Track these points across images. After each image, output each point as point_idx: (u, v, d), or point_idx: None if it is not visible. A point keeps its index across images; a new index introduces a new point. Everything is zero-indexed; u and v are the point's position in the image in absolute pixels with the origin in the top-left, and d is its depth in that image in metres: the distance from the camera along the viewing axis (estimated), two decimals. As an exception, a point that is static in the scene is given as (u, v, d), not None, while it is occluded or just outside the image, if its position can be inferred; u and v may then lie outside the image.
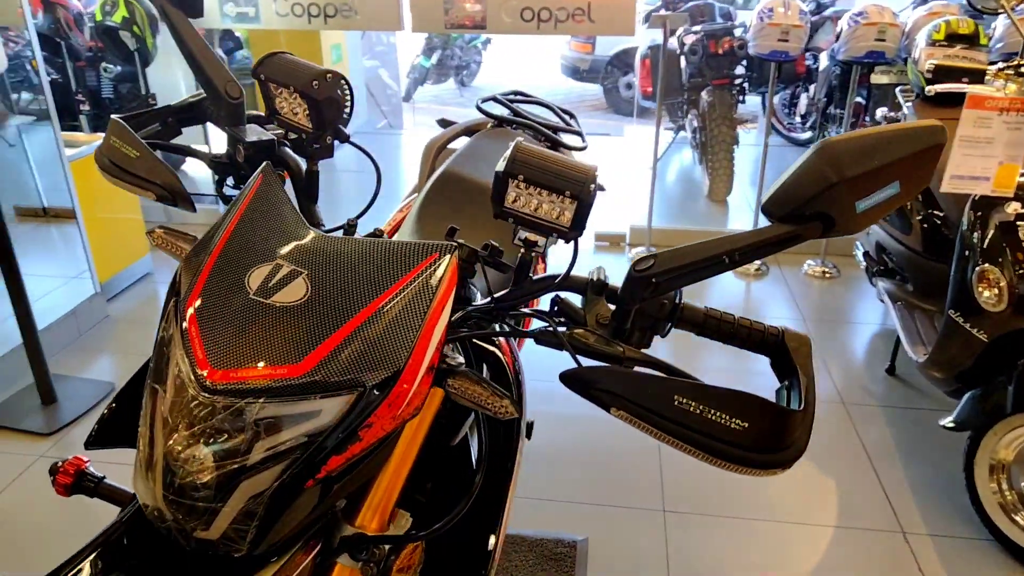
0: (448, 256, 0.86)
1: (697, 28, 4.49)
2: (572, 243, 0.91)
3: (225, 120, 1.23)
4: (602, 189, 1.93)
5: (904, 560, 2.00)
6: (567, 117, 2.13)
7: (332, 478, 0.80)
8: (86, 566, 0.83)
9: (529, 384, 1.70)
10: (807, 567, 1.98)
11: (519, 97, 2.16)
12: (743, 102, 4.57)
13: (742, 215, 4.24)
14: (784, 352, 0.86)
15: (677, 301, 0.89)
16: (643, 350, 0.88)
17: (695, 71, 4.48)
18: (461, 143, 1.97)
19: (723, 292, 3.43)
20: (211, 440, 0.75)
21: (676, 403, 0.78)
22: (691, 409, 0.78)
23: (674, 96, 4.75)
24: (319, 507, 0.82)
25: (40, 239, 3.17)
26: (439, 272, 0.85)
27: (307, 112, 1.16)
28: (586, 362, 0.85)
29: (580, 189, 0.86)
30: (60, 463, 0.99)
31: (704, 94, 4.39)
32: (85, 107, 4.23)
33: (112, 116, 1.20)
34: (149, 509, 0.78)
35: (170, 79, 4.43)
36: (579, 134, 2.07)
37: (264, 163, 0.97)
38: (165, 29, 4.39)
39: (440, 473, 1.10)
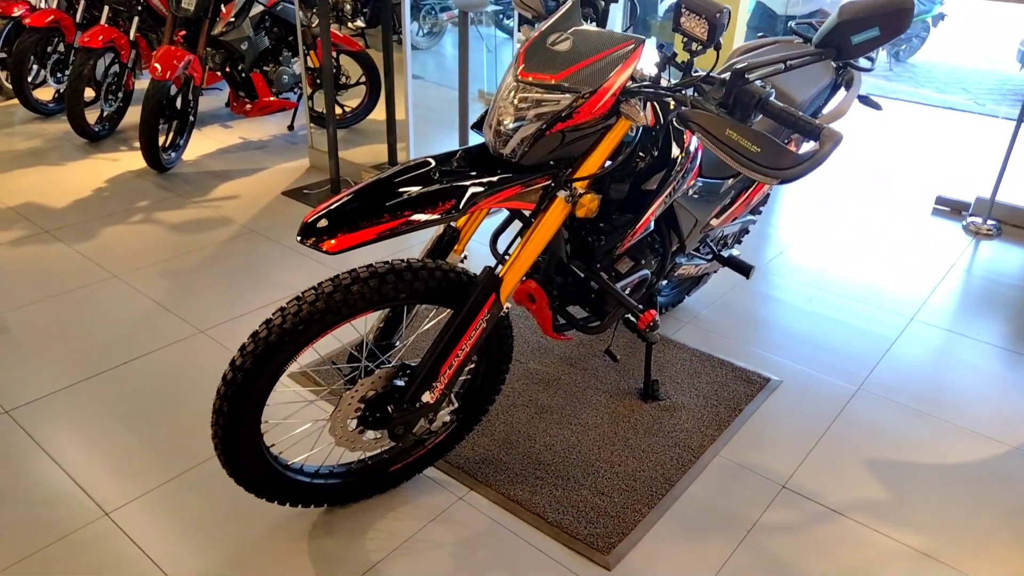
0: (636, 45, 1.58)
1: None
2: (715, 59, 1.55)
3: None
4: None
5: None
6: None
7: (562, 135, 1.59)
8: (432, 161, 1.74)
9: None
10: (965, 471, 2.22)
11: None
12: None
13: None
14: (817, 138, 1.40)
15: (765, 97, 1.46)
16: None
17: None
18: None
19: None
20: (514, 106, 1.60)
21: (727, 132, 1.40)
22: (733, 136, 1.40)
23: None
24: (555, 150, 1.62)
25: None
26: (628, 49, 1.58)
27: None
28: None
29: (713, 17, 1.49)
30: None
31: None
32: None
33: None
34: (487, 141, 1.67)
35: None
36: (870, 58, 2.46)
37: None
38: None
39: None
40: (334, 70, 4.71)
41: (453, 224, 1.85)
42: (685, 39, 1.56)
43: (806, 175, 1.37)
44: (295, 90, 4.75)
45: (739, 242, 3.01)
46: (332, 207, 1.51)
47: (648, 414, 2.39)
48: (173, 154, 4.17)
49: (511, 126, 1.59)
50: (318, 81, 4.38)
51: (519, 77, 1.60)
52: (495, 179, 1.61)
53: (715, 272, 2.85)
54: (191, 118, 4.19)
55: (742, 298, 3.10)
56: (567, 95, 1.56)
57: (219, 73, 4.50)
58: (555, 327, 2.08)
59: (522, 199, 1.66)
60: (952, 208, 3.99)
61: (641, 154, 1.82)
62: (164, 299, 2.91)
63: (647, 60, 1.62)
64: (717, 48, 1.52)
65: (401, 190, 1.54)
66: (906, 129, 5.72)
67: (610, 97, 1.57)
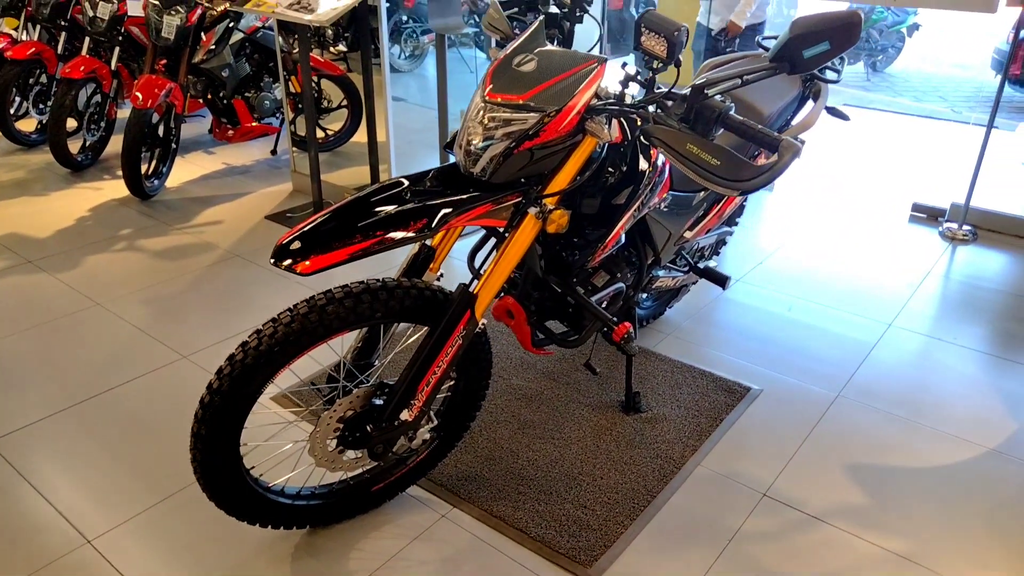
0: (598, 64, 1.61)
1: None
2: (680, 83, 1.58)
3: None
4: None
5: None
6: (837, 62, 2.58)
7: (531, 153, 1.62)
8: (404, 181, 1.76)
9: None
10: (944, 473, 2.25)
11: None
12: None
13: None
14: (776, 150, 1.43)
15: (724, 111, 1.50)
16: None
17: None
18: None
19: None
20: (482, 125, 1.63)
21: (687, 146, 1.44)
22: (693, 150, 1.43)
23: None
24: (524, 168, 1.64)
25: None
26: (591, 68, 1.62)
27: None
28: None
29: (671, 35, 1.52)
30: None
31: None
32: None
33: None
34: (458, 160, 1.69)
35: None
36: (836, 71, 2.51)
37: (539, 18, 1.82)
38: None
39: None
40: (315, 94, 4.75)
41: (428, 243, 1.87)
42: (646, 57, 1.60)
43: (765, 185, 1.41)
44: (277, 115, 4.78)
45: (717, 254, 3.04)
46: (305, 229, 1.53)
47: (630, 426, 2.41)
48: (156, 181, 4.19)
49: (480, 145, 1.62)
50: (300, 106, 4.41)
51: (486, 98, 1.64)
52: (466, 197, 1.63)
53: (693, 284, 2.88)
54: (173, 145, 4.21)
55: (723, 309, 3.13)
56: (533, 114, 1.59)
57: (201, 100, 4.53)
58: (534, 342, 2.10)
59: (494, 216, 1.68)
60: (928, 214, 4.05)
61: (611, 169, 1.85)
62: (147, 326, 2.92)
63: (613, 78, 1.66)
64: (677, 65, 1.56)
65: (374, 210, 1.56)
66: (883, 138, 5.80)
67: (575, 115, 1.60)
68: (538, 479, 2.18)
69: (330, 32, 5.34)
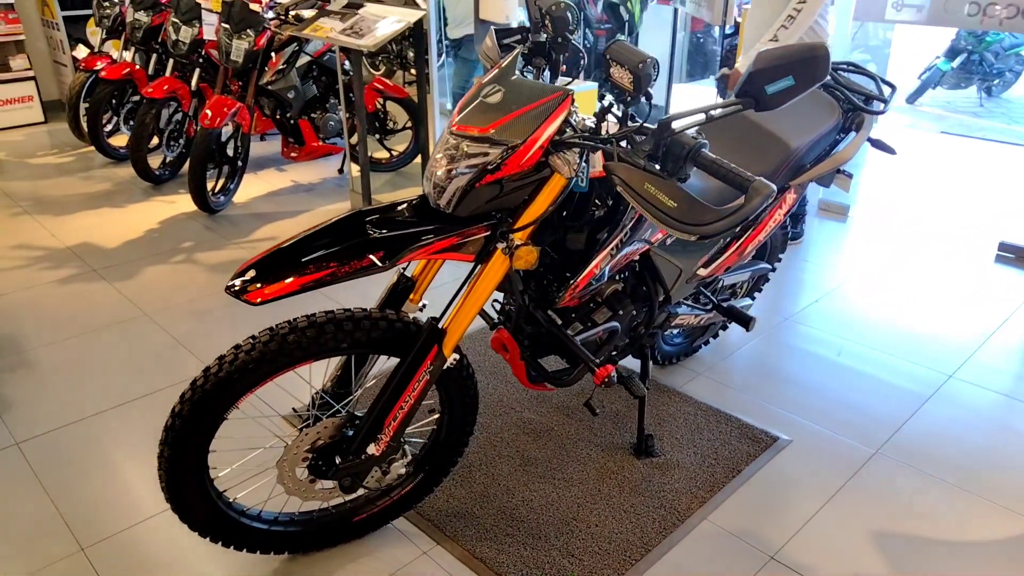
0: (564, 96, 1.52)
1: None
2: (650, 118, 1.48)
3: None
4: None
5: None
6: (887, 87, 2.38)
7: (500, 186, 1.55)
8: (371, 212, 1.71)
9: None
10: (988, 550, 2.00)
11: (850, 67, 2.47)
12: None
13: None
14: (747, 191, 1.30)
15: (695, 148, 1.38)
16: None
17: None
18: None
19: None
20: (447, 157, 1.57)
21: (645, 186, 1.33)
22: (650, 190, 1.32)
23: None
24: (492, 201, 1.58)
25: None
26: (557, 100, 1.53)
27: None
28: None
29: (635, 67, 1.42)
30: None
31: None
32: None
33: None
34: (426, 191, 1.64)
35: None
36: (884, 100, 2.31)
37: (517, 49, 1.75)
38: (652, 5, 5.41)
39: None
40: (382, 115, 4.84)
41: (407, 273, 1.83)
42: (615, 90, 1.50)
43: (726, 231, 1.28)
44: (343, 136, 4.90)
45: (757, 291, 2.86)
46: (261, 258, 1.52)
47: (638, 471, 2.28)
48: (222, 197, 4.36)
49: (444, 177, 1.57)
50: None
51: (452, 129, 1.58)
52: (430, 229, 1.58)
53: (725, 323, 2.71)
54: (240, 163, 4.38)
55: (765, 349, 2.94)
56: (496, 147, 1.53)
57: (271, 120, 4.70)
58: (530, 377, 2.02)
59: (460, 250, 1.62)
60: (1017, 255, 3.68)
61: (598, 202, 1.76)
62: (185, 338, 3.02)
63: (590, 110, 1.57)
64: (647, 99, 1.46)
65: (331, 241, 1.54)
66: (984, 168, 5.36)
67: (538, 149, 1.52)
68: (530, 521, 2.08)
69: (411, 54, 5.44)
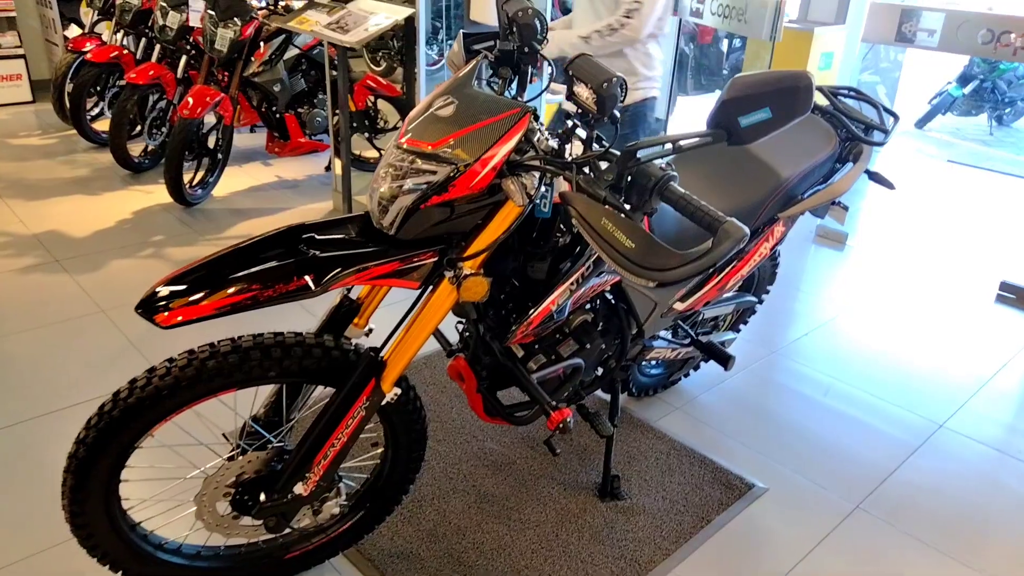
0: (523, 113, 1.37)
1: None
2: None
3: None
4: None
5: None
6: (889, 117, 2.23)
7: (450, 208, 1.40)
8: (308, 229, 1.54)
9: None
10: None
11: (851, 92, 2.31)
12: None
13: None
14: (716, 233, 1.15)
15: (662, 180, 1.23)
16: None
17: None
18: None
19: None
20: (391, 175, 1.42)
21: (602, 221, 1.18)
22: (607, 227, 1.17)
23: None
24: (440, 224, 1.42)
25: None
26: (513, 117, 1.38)
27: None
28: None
29: (599, 87, 1.27)
30: None
31: None
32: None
33: None
34: (370, 211, 1.49)
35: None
36: (885, 131, 2.16)
37: (477, 57, 1.59)
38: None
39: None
40: (372, 114, 4.69)
41: (351, 296, 1.68)
42: (579, 110, 1.35)
43: (688, 277, 1.13)
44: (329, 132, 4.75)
45: (742, 323, 2.71)
46: (178, 276, 1.37)
47: (601, 515, 2.12)
48: (200, 190, 4.21)
49: (387, 196, 1.42)
50: (354, 124, 4.35)
51: (398, 143, 1.43)
52: (370, 252, 1.43)
53: (703, 357, 2.56)
54: (219, 156, 4.23)
55: (749, 384, 2.78)
56: (444, 166, 1.37)
57: (257, 113, 4.55)
58: (486, 409, 1.87)
59: (403, 277, 1.47)
60: (1018, 296, 3.52)
61: (562, 227, 1.61)
62: (139, 340, 2.87)
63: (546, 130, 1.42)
64: (613, 121, 1.31)
65: (258, 260, 1.38)
66: (990, 203, 5.20)
67: (490, 170, 1.37)
68: (477, 567, 1.93)
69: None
